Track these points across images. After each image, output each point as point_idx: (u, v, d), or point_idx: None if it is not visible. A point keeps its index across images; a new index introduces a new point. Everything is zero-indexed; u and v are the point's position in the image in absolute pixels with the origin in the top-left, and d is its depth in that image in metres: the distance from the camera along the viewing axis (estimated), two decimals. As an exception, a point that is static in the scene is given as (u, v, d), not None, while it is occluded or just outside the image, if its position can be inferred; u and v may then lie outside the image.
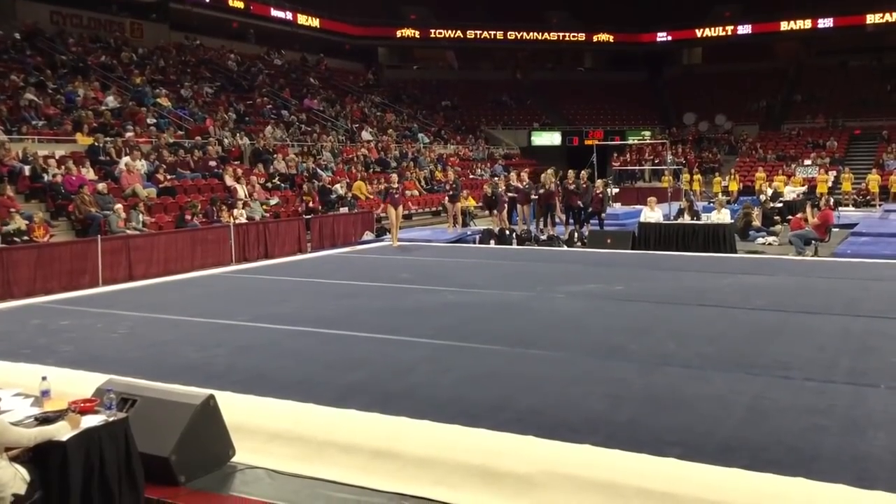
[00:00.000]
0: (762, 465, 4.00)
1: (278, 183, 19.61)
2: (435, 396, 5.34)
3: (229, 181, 17.73)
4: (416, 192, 23.36)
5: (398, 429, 4.59)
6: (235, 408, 4.82)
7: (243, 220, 15.84)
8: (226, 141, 21.01)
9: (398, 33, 41.77)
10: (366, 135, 28.15)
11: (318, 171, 21.74)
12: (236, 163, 19.85)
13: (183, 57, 28.32)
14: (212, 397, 4.49)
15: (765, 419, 4.79)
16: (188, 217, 14.86)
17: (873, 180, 27.10)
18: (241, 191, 17.43)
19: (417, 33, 42.07)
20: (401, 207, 16.50)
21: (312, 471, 4.36)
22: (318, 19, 37.97)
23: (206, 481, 4.34)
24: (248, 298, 9.76)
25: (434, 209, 23.68)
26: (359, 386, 5.61)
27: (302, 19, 37.16)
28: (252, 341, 7.13)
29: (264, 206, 17.43)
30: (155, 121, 20.38)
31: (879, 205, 25.17)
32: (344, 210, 19.30)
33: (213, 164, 18.65)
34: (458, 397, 5.30)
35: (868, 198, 26.58)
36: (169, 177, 17.08)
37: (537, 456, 4.19)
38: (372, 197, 21.54)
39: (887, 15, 38.66)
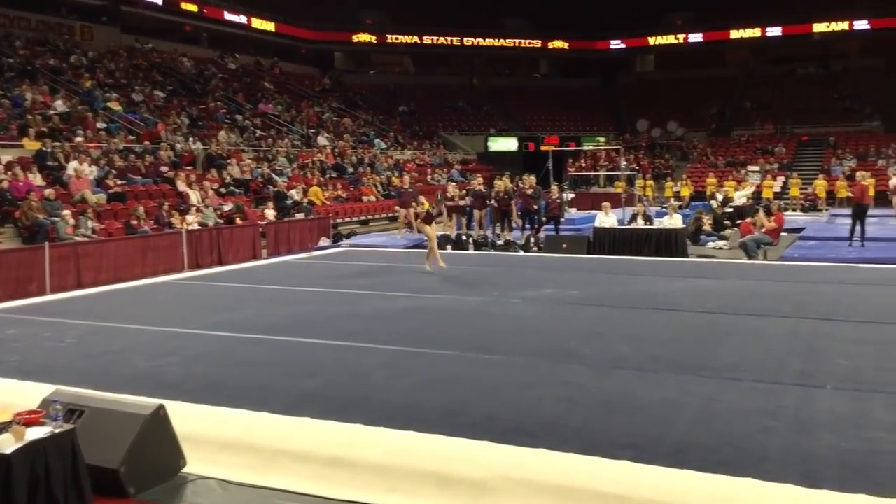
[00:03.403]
0: (713, 466, 4.06)
1: (233, 188, 19.38)
2: (391, 403, 5.32)
3: (182, 187, 17.47)
4: (372, 198, 23.30)
5: (353, 436, 4.56)
6: (187, 417, 4.74)
7: (196, 226, 15.61)
8: (178, 146, 20.69)
9: (354, 38, 41.65)
10: (322, 140, 27.99)
11: (274, 176, 21.55)
12: (189, 168, 19.56)
13: (134, 60, 27.84)
14: (162, 407, 4.41)
15: (715, 421, 4.87)
16: (134, 223, 14.57)
17: (820, 186, 27.82)
18: (194, 196, 17.19)
19: (374, 38, 42.00)
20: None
21: (265, 480, 4.31)
22: (273, 23, 37.68)
23: (157, 493, 4.26)
24: (201, 306, 9.62)
25: (391, 215, 23.62)
26: (314, 393, 5.57)
27: (256, 23, 36.84)
28: (204, 349, 7.03)
29: (217, 212, 17.19)
30: (105, 125, 19.99)
31: (826, 210, 25.83)
32: (300, 216, 19.15)
33: (164, 169, 18.36)
34: (415, 403, 5.29)
35: (815, 203, 27.25)
36: (119, 182, 16.77)
37: (492, 461, 4.20)
38: (328, 203, 21.42)
39: (833, 24, 39.78)
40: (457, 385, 5.76)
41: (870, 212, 16.70)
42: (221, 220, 16.81)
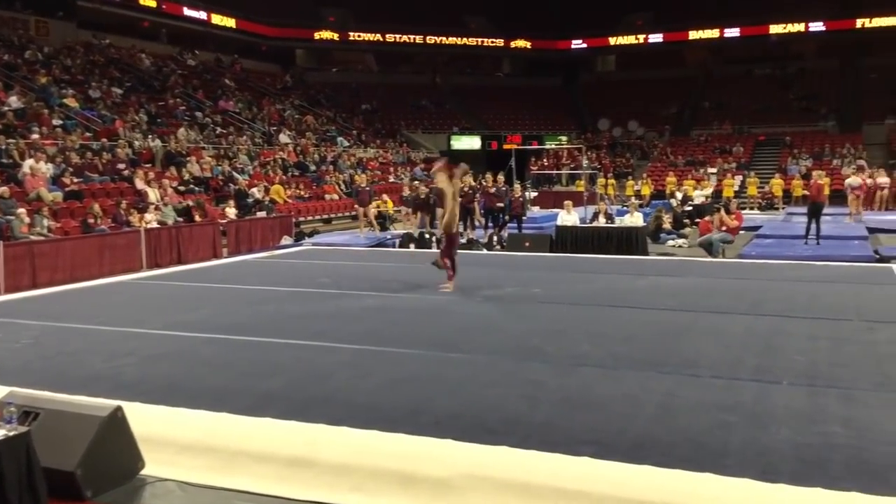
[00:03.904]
0: (673, 461, 4.11)
1: (192, 186, 19.13)
2: (354, 402, 5.30)
3: (140, 185, 17.21)
4: (335, 196, 23.18)
5: (315, 436, 4.53)
6: (145, 419, 4.67)
7: (155, 224, 15.38)
8: (136, 143, 20.37)
9: (316, 35, 41.41)
10: (284, 138, 27.78)
11: (235, 174, 21.33)
12: (147, 166, 19.26)
13: (91, 56, 27.35)
14: (119, 409, 4.33)
15: (675, 416, 4.94)
16: (91, 221, 14.31)
17: (777, 185, 28.36)
18: (153, 194, 16.93)
19: (336, 36, 41.79)
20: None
21: (225, 482, 4.26)
22: (233, 19, 37.29)
23: (114, 495, 4.18)
24: (160, 305, 9.48)
25: (355, 213, 23.56)
26: (275, 393, 5.52)
27: (216, 19, 36.42)
28: (164, 350, 6.93)
29: (180, 205, 16.96)
30: (61, 122, 19.60)
31: (782, 208, 26.33)
32: (261, 214, 18.98)
33: (122, 167, 18.06)
34: (377, 402, 5.28)
35: (772, 201, 27.77)
36: (76, 180, 16.46)
37: (455, 459, 4.21)
38: (290, 201, 21.26)
39: (790, 25, 40.58)
40: (420, 384, 5.76)
41: (825, 210, 17.08)
42: (181, 219, 16.58)
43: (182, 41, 34.91)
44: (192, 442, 4.63)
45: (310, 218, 21.83)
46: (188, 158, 20.74)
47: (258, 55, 39.64)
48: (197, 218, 16.87)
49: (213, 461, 4.45)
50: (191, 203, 17.46)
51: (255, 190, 20.45)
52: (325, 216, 22.83)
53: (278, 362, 6.42)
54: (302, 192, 22.91)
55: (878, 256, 13.92)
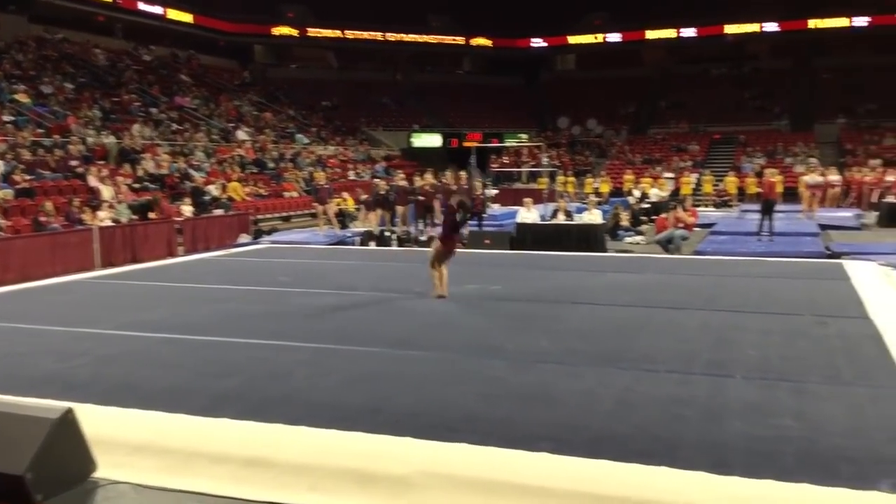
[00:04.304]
0: (629, 455, 4.15)
1: (147, 184, 18.82)
2: (312, 401, 5.26)
3: (93, 182, 16.89)
4: (294, 194, 23.00)
5: (272, 436, 4.49)
6: (97, 420, 4.57)
7: (109, 222, 15.10)
8: (90, 140, 19.97)
9: (275, 31, 41.03)
10: (241, 134, 27.48)
11: (191, 171, 21.04)
12: (101, 163, 18.91)
13: (43, 51, 26.74)
14: (70, 410, 4.24)
15: (632, 411, 4.99)
16: (42, 220, 14.00)
17: (731, 182, 28.88)
18: (107, 192, 16.62)
19: (295, 32, 41.46)
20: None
21: (180, 483, 4.20)
22: (190, 15, 36.76)
23: (66, 499, 4.09)
24: (114, 305, 9.30)
25: (314, 211, 23.42)
26: (232, 393, 5.46)
27: (173, 14, 35.86)
28: (117, 350, 6.80)
29: (131, 206, 16.68)
30: (12, 118, 19.16)
31: (736, 205, 26.81)
32: (219, 212, 18.75)
33: (75, 163, 17.70)
34: (336, 401, 5.25)
35: (726, 199, 28.26)
36: (27, 177, 16.10)
37: (414, 457, 4.20)
38: (248, 199, 21.05)
39: (745, 26, 41.32)
40: (379, 382, 5.74)
41: (777, 207, 17.44)
42: (136, 217, 16.31)
43: (137, 36, 34.31)
44: (145, 443, 4.55)
45: (268, 216, 21.63)
46: (143, 155, 20.41)
47: (215, 51, 39.15)
48: (152, 216, 16.60)
49: (168, 462, 4.39)
50: (148, 197, 17.18)
51: (212, 187, 20.20)
52: (284, 214, 22.64)
53: (235, 362, 6.35)
54: (260, 190, 22.69)
55: (829, 252, 14.26)
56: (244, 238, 17.60)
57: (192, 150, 23.29)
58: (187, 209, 17.72)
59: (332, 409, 5.05)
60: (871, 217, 21.33)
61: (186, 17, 36.65)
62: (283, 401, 5.26)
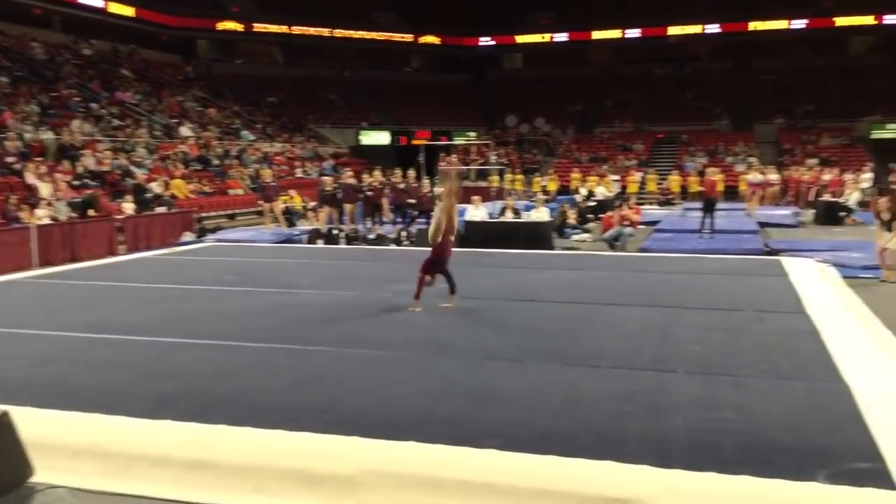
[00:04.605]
0: (576, 451, 4.20)
1: (87, 181, 18.35)
2: (258, 402, 5.18)
3: (31, 179, 16.39)
4: (239, 192, 22.68)
5: (216, 437, 4.41)
6: (35, 423, 4.45)
7: (47, 220, 14.67)
8: (27, 135, 19.37)
9: (219, 26, 40.32)
10: (185, 131, 26.97)
11: (133, 168, 20.58)
12: (39, 159, 18.36)
13: (-24, 43, 25.85)
14: (6, 413, 4.11)
15: (578, 407, 5.05)
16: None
17: (674, 181, 29.47)
18: (45, 189, 16.16)
19: (240, 27, 40.81)
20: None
21: (121, 487, 4.11)
22: (132, 8, 35.87)
23: (1, 505, 3.98)
24: (52, 305, 9.04)
25: (259, 209, 23.13)
26: (175, 395, 5.35)
27: (114, 7, 34.94)
28: (56, 351, 6.61)
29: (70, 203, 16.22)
30: (-57, 113, 18.47)
31: (680, 204, 27.34)
32: (161, 210, 18.38)
33: (12, 160, 17.15)
34: (282, 402, 5.18)
35: (670, 197, 28.80)
36: (-41, 174, 15.55)
37: (361, 456, 4.18)
38: (192, 196, 20.67)
39: (688, 27, 42.14)
40: (326, 382, 5.69)
41: (718, 205, 17.85)
42: (75, 215, 15.88)
43: (77, 29, 33.35)
44: (85, 446, 4.44)
45: (213, 214, 21.27)
46: (83, 152, 19.88)
47: (158, 45, 38.29)
48: (92, 214, 16.18)
49: (108, 466, 4.29)
50: (88, 194, 16.73)
51: (154, 184, 19.79)
52: (230, 212, 22.30)
53: (179, 363, 6.23)
54: (204, 187, 22.31)
55: (768, 249, 14.64)
56: (188, 236, 17.28)
57: (133, 146, 22.78)
58: (129, 207, 17.32)
59: (278, 409, 4.98)
60: (808, 215, 21.98)
61: (128, 11, 35.77)
62: (228, 402, 5.18)
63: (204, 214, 20.29)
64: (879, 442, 4.28)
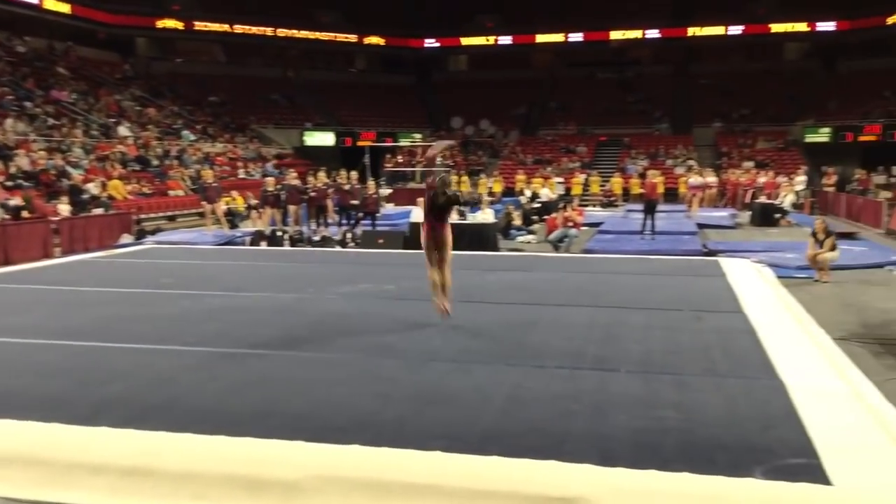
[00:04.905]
0: (519, 451, 4.22)
1: (21, 182, 17.78)
2: (199, 407, 5.09)
3: (-40, 179, 15.81)
4: (180, 193, 22.24)
5: (155, 444, 4.31)
6: (-38, 434, 4.29)
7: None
8: (-44, 134, 18.71)
9: (159, 24, 39.48)
10: (123, 130, 26.36)
11: (69, 168, 20.02)
12: (-31, 159, 17.74)
13: None
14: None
15: (522, 407, 5.08)
16: None
17: (616, 183, 29.97)
18: (-25, 190, 15.62)
19: (181, 25, 40.02)
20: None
21: (55, 496, 3.98)
22: (68, 5, 34.89)
23: (-75, 520, 3.82)
24: (-17, 310, 8.73)
25: (201, 210, 22.73)
26: (113, 401, 5.21)
27: (49, 4, 33.94)
28: (-14, 358, 6.38)
29: (3, 209, 15.70)
30: None
31: (622, 205, 27.81)
32: (98, 211, 17.92)
33: (-61, 159, 16.54)
34: (224, 407, 5.09)
35: (612, 199, 29.26)
36: None
37: (304, 461, 4.13)
38: (130, 197, 20.21)
39: (629, 32, 42.87)
40: (269, 385, 5.61)
41: (659, 207, 18.20)
42: (8, 216, 15.36)
43: (10, 26, 32.25)
44: (19, 454, 4.30)
45: (152, 215, 20.84)
46: (16, 151, 19.26)
47: (95, 43, 37.30)
48: (26, 215, 15.68)
49: (43, 474, 4.16)
50: (17, 200, 16.21)
51: (91, 185, 19.29)
52: (170, 213, 21.87)
53: (116, 368, 6.07)
54: (143, 188, 21.83)
55: (706, 250, 14.99)
56: (126, 238, 16.89)
57: (69, 146, 22.18)
58: (64, 208, 16.85)
59: (219, 414, 4.90)
60: (745, 217, 22.59)
61: (64, 8, 34.78)
62: (167, 407, 5.07)
63: (143, 216, 19.87)
64: (813, 438, 4.41)
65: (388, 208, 23.46)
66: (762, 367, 6.04)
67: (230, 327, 7.70)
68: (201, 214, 19.65)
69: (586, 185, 30.26)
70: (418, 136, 38.61)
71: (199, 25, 40.40)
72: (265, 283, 10.51)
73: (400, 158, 35.27)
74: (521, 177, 30.12)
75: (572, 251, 15.21)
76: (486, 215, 17.29)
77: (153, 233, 18.32)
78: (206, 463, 4.13)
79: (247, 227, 19.19)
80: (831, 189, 26.18)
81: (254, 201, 19.79)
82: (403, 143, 36.86)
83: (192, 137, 30.12)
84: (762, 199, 23.69)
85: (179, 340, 6.96)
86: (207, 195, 17.97)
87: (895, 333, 8.69)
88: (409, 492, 3.90)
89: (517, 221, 19.22)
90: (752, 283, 10.14)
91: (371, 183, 19.90)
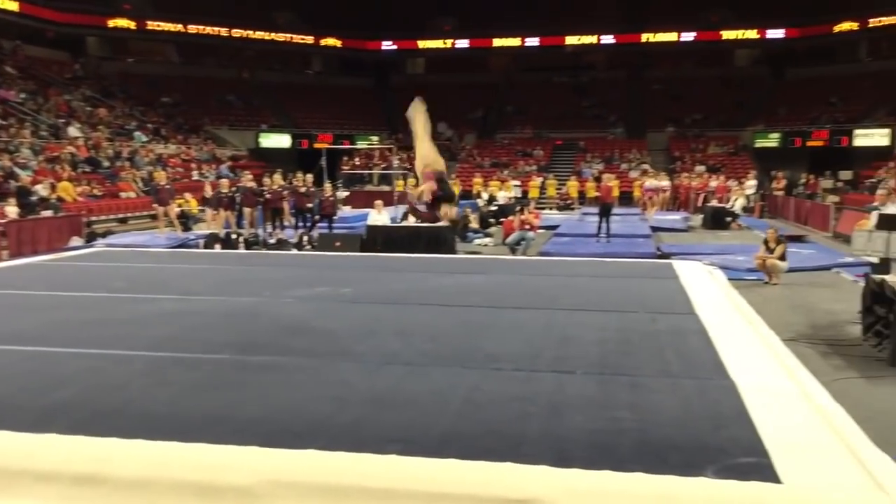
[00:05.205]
0: (476, 453, 4.21)
1: (-35, 183, 17.32)
2: (150, 413, 4.97)
3: None
4: (132, 195, 21.84)
5: (105, 451, 4.20)
6: None
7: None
8: None
9: (110, 23, 38.82)
10: (73, 131, 25.84)
11: (16, 169, 19.54)
12: None
13: None
14: None
15: (479, 410, 5.07)
16: None
17: (572, 186, 30.29)
18: (-83, 191, 15.13)
19: (133, 24, 39.39)
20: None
21: (1, 506, 3.88)
22: (16, 3, 34.13)
23: None
24: (-76, 315, 8.44)
25: (153, 212, 22.36)
26: (61, 407, 5.07)
27: (-5, 1, 33.16)
28: (-73, 365, 6.17)
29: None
30: None
31: (578, 208, 28.09)
32: (47, 213, 17.51)
33: None
34: (176, 412, 4.99)
35: (568, 202, 29.54)
36: None
37: (258, 466, 4.06)
38: (80, 199, 19.79)
39: (584, 37, 43.39)
40: (222, 390, 5.52)
41: (614, 210, 18.42)
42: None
43: (-46, 23, 31.49)
44: (-40, 465, 4.16)
45: (103, 217, 20.46)
46: (-40, 152, 18.73)
47: (44, 42, 36.52)
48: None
49: (-12, 484, 4.03)
50: None
51: (39, 187, 18.87)
52: (121, 216, 21.49)
53: (65, 374, 5.91)
54: (94, 190, 21.40)
55: (660, 253, 15.22)
56: (76, 241, 16.55)
57: (17, 147, 21.67)
58: (12, 210, 16.44)
59: (171, 420, 4.80)
60: (697, 220, 23.00)
61: (12, 6, 33.96)
62: (118, 413, 4.95)
63: (94, 218, 19.49)
64: (763, 437, 4.48)
65: (345, 211, 23.34)
66: (714, 367, 6.11)
67: (183, 331, 7.56)
68: (154, 217, 19.34)
69: (543, 188, 30.53)
70: (375, 138, 38.52)
71: (152, 25, 39.78)
72: (219, 287, 10.34)
73: (357, 161, 35.14)
74: (478, 180, 30.27)
75: (529, 254, 15.30)
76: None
77: (104, 235, 17.99)
78: (158, 469, 4.04)
79: (200, 230, 18.91)
80: (780, 193, 26.80)
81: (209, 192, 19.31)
82: (361, 145, 36.72)
83: (145, 139, 29.64)
84: (714, 203, 24.15)
85: (130, 345, 6.81)
86: (160, 197, 17.69)
87: (842, 334, 8.91)
88: (365, 495, 3.87)
89: (474, 224, 19.29)
90: (704, 285, 10.27)
91: (328, 185, 19.78)
